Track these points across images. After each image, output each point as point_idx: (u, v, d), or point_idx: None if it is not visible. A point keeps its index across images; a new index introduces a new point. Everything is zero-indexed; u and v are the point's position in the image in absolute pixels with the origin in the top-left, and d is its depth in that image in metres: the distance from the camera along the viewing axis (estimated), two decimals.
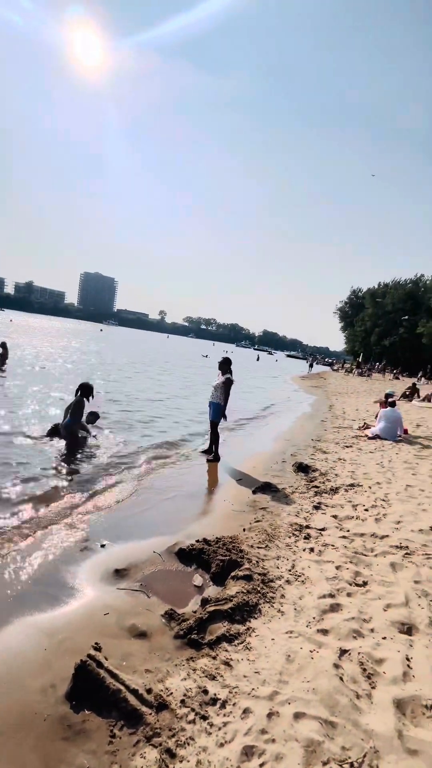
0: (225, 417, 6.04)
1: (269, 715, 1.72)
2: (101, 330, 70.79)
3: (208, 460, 5.98)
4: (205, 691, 1.83)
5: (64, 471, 4.69)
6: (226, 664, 2.03)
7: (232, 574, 2.85)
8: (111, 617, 2.41)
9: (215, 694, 1.82)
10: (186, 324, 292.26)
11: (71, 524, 3.54)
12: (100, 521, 3.67)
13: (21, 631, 2.22)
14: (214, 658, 2.07)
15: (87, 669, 1.84)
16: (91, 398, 6.09)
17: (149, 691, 1.80)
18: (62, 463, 4.90)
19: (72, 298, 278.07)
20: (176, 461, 5.77)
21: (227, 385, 6.00)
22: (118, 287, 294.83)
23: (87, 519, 3.68)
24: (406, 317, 50.00)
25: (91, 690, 1.80)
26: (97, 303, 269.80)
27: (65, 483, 4.38)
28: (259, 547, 3.26)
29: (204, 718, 1.71)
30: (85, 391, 5.99)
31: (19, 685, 1.88)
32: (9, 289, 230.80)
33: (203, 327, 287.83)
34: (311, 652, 2.10)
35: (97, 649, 2.01)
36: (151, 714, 1.70)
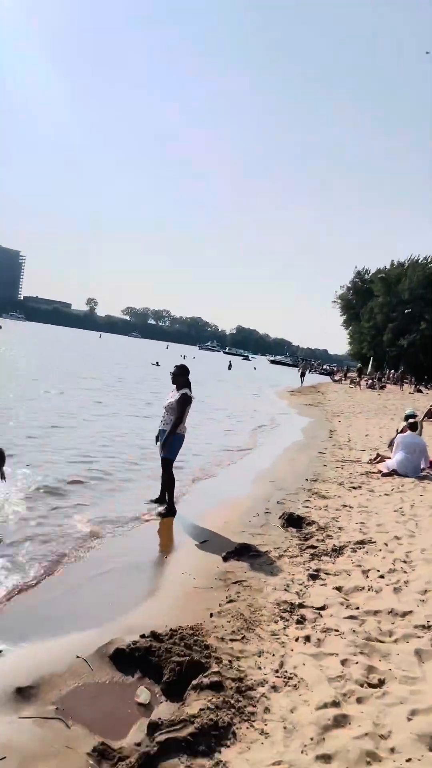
0: (170, 451, 6.00)
1: None
2: None
3: (159, 515, 5.93)
4: None
5: None
6: None
7: (194, 682, 2.79)
8: (10, 763, 2.27)
9: None
10: (126, 318, 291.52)
11: None
12: None
13: None
14: None
15: None
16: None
17: None
18: None
19: None
20: (116, 518, 5.65)
21: (183, 404, 6.00)
22: (25, 265, 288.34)
23: None
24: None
25: None
26: None
27: None
28: (232, 640, 3.23)
29: None
30: None
31: None
32: None
33: (152, 322, 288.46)
34: None
35: None
36: None
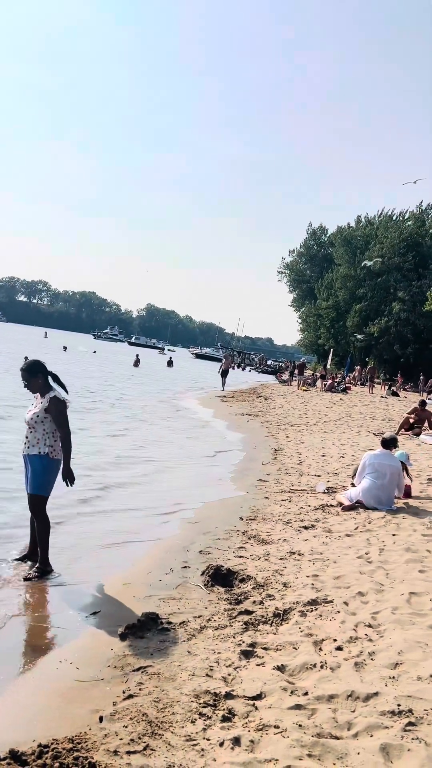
0: (41, 484, 5.94)
1: None
2: None
3: (25, 579, 5.80)
4: None
5: None
6: None
7: None
8: None
9: None
10: None
11: None
12: None
13: None
14: None
15: None
16: None
17: None
18: None
19: None
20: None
21: (57, 412, 5.93)
22: None
23: None
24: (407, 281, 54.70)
25: None
26: None
27: None
28: (130, 752, 3.18)
29: None
30: None
31: None
32: None
33: (22, 299, 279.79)
34: None
35: None
36: None
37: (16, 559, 6.16)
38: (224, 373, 36.85)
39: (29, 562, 6.07)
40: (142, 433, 16.21)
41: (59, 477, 6.07)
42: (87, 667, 4.29)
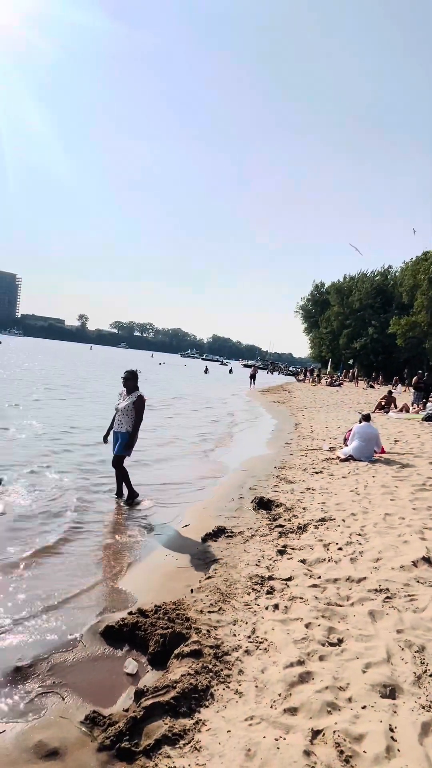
0: (130, 450, 5.77)
1: None
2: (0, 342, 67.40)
3: (126, 503, 5.79)
4: None
5: None
6: None
7: (176, 651, 2.77)
8: (7, 736, 2.20)
9: None
10: (114, 331, 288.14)
11: None
12: None
13: None
14: None
15: None
16: None
17: None
18: None
19: None
20: (103, 514, 5.55)
21: (139, 406, 5.81)
22: (21, 287, 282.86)
23: None
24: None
25: None
26: None
27: None
28: (210, 612, 3.21)
29: None
30: None
31: None
32: None
33: (137, 334, 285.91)
34: (277, 740, 2.07)
35: None
36: None
37: (116, 497, 5.97)
38: (252, 377, 34.39)
39: (122, 498, 5.94)
40: (215, 411, 16.29)
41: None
42: (182, 558, 4.35)
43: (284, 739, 2.08)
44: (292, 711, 2.27)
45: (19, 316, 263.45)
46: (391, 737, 2.09)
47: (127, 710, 2.35)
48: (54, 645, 2.94)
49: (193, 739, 2.13)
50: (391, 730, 2.13)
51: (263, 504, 5.78)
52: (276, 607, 3.28)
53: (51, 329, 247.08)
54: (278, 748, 2.03)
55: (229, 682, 2.50)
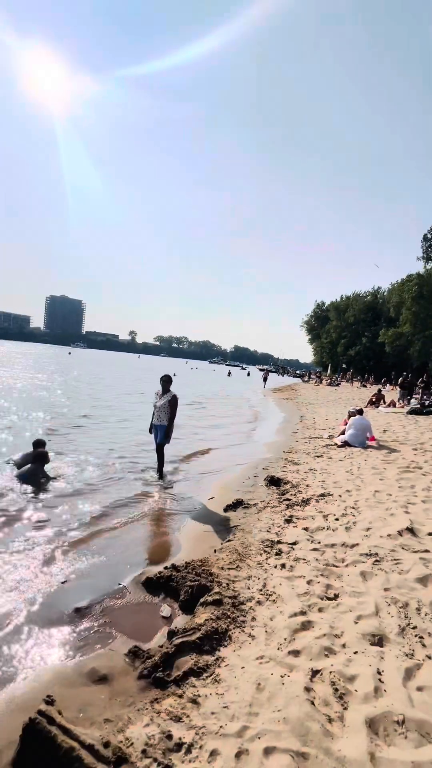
0: (168, 438, 5.82)
1: (238, 755, 1.61)
2: (69, 353, 69.24)
3: (164, 481, 5.76)
4: (169, 736, 1.69)
5: (27, 509, 4.40)
6: (194, 701, 1.90)
7: (202, 600, 2.73)
8: (68, 663, 2.22)
9: (180, 738, 1.68)
10: (157, 343, 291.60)
11: (30, 562, 3.29)
12: (62, 557, 3.44)
13: None
14: (181, 696, 1.94)
15: (36, 728, 1.65)
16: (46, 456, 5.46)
17: (107, 744, 1.64)
18: (26, 502, 4.53)
19: (38, 322, 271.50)
20: (146, 489, 5.57)
21: (173, 403, 5.83)
22: (85, 310, 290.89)
23: (48, 555, 3.43)
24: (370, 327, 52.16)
25: (43, 752, 1.62)
26: (64, 326, 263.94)
27: (23, 520, 4.10)
28: (229, 568, 3.16)
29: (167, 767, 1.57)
30: (39, 447, 5.48)
31: None
32: None
33: (175, 345, 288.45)
34: (282, 677, 2.01)
35: (50, 702, 1.82)
36: None
37: (159, 477, 5.86)
38: (264, 379, 33.88)
39: (162, 477, 5.86)
40: (236, 405, 16.21)
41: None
42: (207, 524, 4.30)
43: (288, 676, 2.01)
44: (295, 653, 2.19)
45: (84, 333, 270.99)
46: (379, 679, 1.99)
47: (161, 646, 2.33)
48: (105, 592, 2.96)
49: (213, 672, 2.09)
50: (379, 673, 2.03)
51: (274, 481, 5.68)
52: (283, 566, 3.20)
53: (108, 342, 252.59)
54: (283, 683, 1.97)
55: (244, 627, 2.45)
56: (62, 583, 3.03)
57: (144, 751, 1.62)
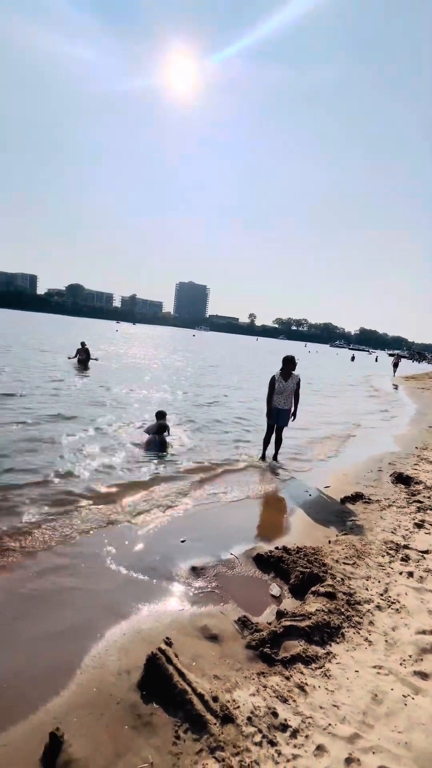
0: (288, 422, 5.65)
1: (348, 761, 1.49)
2: (194, 335, 74.74)
3: (274, 460, 5.68)
4: (275, 714, 1.69)
5: (152, 474, 4.95)
6: (301, 688, 1.84)
7: (313, 588, 2.62)
8: (185, 614, 2.42)
9: (286, 720, 1.66)
10: (276, 326, 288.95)
11: (155, 519, 3.70)
12: (182, 520, 3.76)
13: (101, 614, 2.38)
14: (288, 678, 1.90)
15: (157, 663, 1.86)
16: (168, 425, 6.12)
17: (215, 699, 1.73)
18: (153, 468, 5.03)
19: (169, 307, 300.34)
20: (261, 469, 5.62)
21: (299, 384, 5.59)
22: (209, 294, 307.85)
23: (172, 516, 3.80)
24: None
25: (160, 684, 1.81)
26: (190, 310, 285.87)
27: (149, 485, 4.58)
28: (345, 563, 2.95)
29: (272, 743, 1.57)
30: (161, 419, 6.23)
31: (99, 663, 2.00)
32: (117, 303, 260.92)
33: (294, 328, 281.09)
34: (405, 697, 1.77)
35: (168, 644, 2.02)
36: (215, 724, 1.63)
37: (262, 458, 5.74)
38: (395, 365, 29.07)
39: (263, 461, 5.68)
40: (357, 393, 14.94)
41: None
42: (321, 513, 4.09)
43: (413, 699, 1.77)
44: (423, 675, 1.91)
45: (207, 316, 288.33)
46: None
47: (270, 623, 2.33)
48: (219, 559, 3.10)
49: (323, 666, 1.99)
50: None
51: (402, 479, 5.04)
52: (410, 574, 2.82)
53: (229, 325, 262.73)
54: (406, 704, 1.74)
55: (359, 629, 2.26)
56: (182, 541, 3.31)
57: (249, 719, 1.66)
